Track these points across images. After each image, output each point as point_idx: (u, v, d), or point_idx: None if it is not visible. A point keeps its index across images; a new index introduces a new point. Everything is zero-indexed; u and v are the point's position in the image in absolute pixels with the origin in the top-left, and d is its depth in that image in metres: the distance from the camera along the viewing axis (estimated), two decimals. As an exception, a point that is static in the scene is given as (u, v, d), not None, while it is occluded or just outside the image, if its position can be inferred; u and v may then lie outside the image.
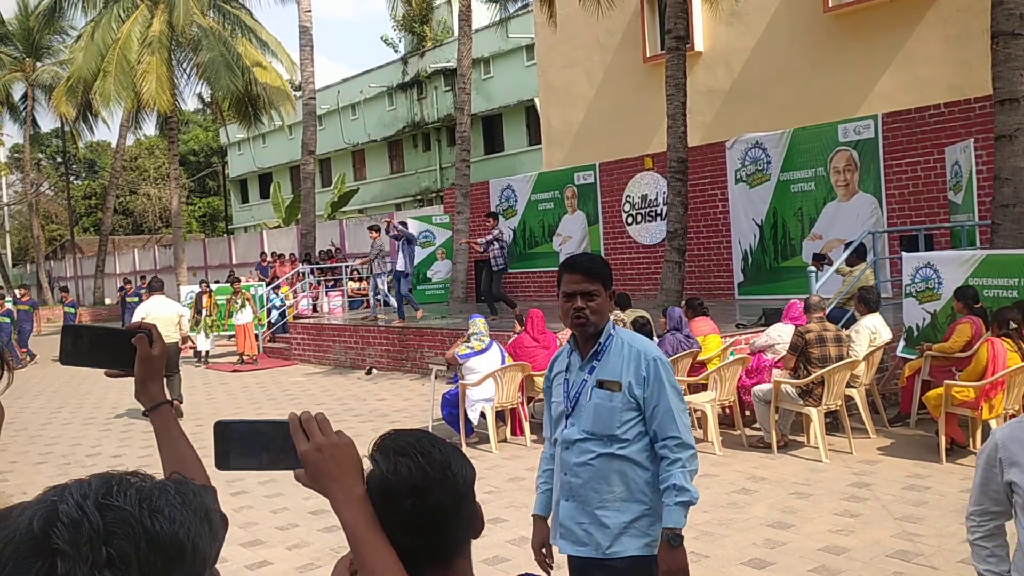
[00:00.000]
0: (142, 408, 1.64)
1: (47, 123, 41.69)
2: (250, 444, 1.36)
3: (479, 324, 8.79)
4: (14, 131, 38.92)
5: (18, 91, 37.34)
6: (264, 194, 41.82)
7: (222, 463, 1.34)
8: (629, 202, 16.40)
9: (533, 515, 3.14)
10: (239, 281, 17.77)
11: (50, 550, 0.88)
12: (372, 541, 1.32)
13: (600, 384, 2.88)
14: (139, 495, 0.96)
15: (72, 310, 23.55)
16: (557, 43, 19.76)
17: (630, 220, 16.41)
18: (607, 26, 18.25)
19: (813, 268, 10.19)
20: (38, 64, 36.78)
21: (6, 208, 44.59)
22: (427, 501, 1.35)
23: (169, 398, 1.66)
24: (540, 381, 9.13)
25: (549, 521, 3.07)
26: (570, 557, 2.96)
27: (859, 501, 6.23)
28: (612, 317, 3.15)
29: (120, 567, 0.89)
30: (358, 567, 1.33)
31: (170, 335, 10.77)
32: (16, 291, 23.28)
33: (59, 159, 45.49)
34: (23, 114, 37.60)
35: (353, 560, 1.36)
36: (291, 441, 1.34)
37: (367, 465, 1.39)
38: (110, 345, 1.63)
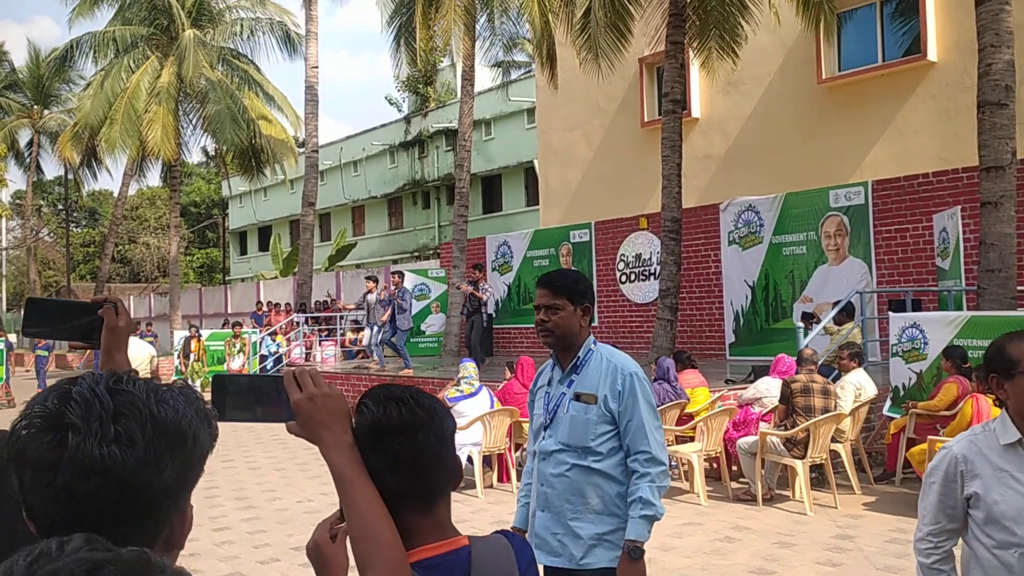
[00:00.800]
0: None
1: (51, 170, 42.13)
2: (246, 397, 1.42)
3: (469, 368, 8.86)
4: (18, 177, 39.40)
5: (24, 137, 37.84)
6: (263, 246, 42.09)
7: (219, 415, 1.37)
8: (623, 261, 16.58)
9: (512, 527, 3.17)
10: (240, 326, 17.85)
11: (63, 424, 0.98)
12: (359, 483, 1.38)
13: (577, 397, 2.95)
14: (147, 386, 1.06)
15: (46, 353, 22.96)
16: (557, 105, 20.20)
17: (624, 279, 16.56)
18: (606, 91, 18.70)
19: (802, 325, 10.30)
20: (45, 111, 37.35)
21: (4, 252, 44.75)
22: (416, 440, 1.43)
23: (133, 369, 1.66)
24: (527, 428, 9.16)
25: (527, 535, 3.10)
26: (545, 567, 2.99)
27: (842, 552, 6.22)
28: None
29: (126, 443, 0.98)
30: (344, 508, 1.39)
31: (144, 372, 10.94)
32: None
33: (60, 206, 45.83)
34: (28, 160, 38.04)
35: (339, 504, 1.42)
36: (285, 395, 1.40)
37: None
38: (74, 316, 1.60)
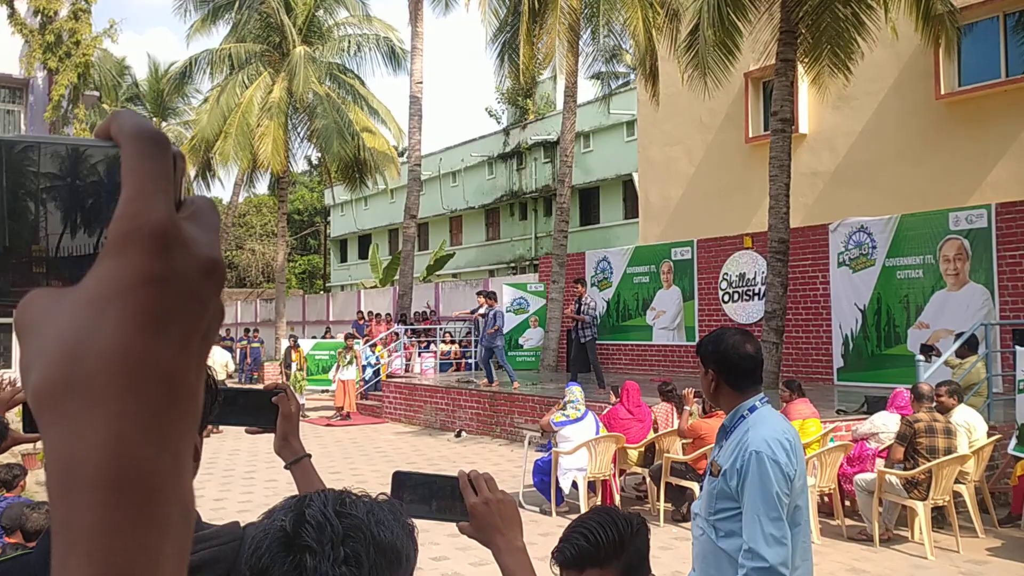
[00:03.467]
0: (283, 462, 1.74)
1: (167, 178, 44.19)
2: (422, 492, 1.49)
3: (575, 392, 8.86)
4: (137, 185, 41.30)
5: (144, 148, 39.78)
6: (363, 254, 43.07)
7: None
8: (726, 280, 16.30)
9: None
10: (353, 337, 18.33)
11: (299, 547, 1.06)
12: None
13: (711, 465, 2.91)
14: (366, 507, 1.13)
15: None
16: (659, 121, 20.04)
17: (726, 298, 16.29)
18: (710, 106, 18.45)
19: (921, 358, 9.91)
20: (164, 124, 39.22)
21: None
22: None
23: (307, 452, 1.74)
24: (633, 454, 9.10)
25: None
26: None
27: (968, 603, 5.96)
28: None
29: (355, 566, 1.06)
30: None
31: (219, 375, 15.26)
32: None
33: (174, 212, 47.89)
34: (146, 169, 39.98)
35: None
36: (459, 494, 1.47)
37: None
38: (250, 404, 1.71)
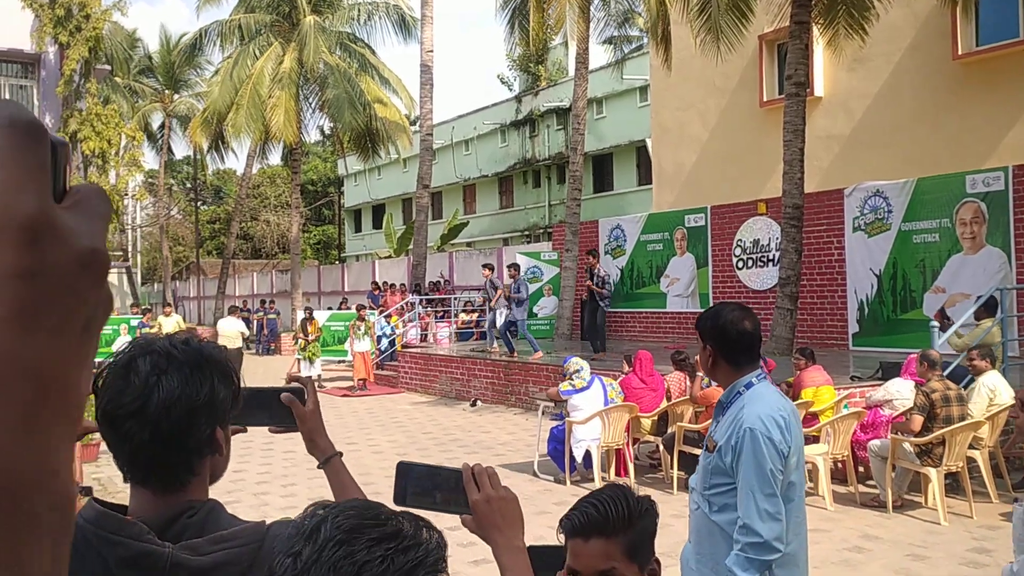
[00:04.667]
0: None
1: (180, 150, 44.33)
2: (426, 483, 1.50)
3: (575, 363, 8.88)
4: (151, 157, 41.49)
5: (156, 120, 39.90)
6: (377, 224, 43.11)
7: (399, 499, 1.46)
8: (740, 246, 16.22)
9: None
10: (365, 308, 18.42)
11: (296, 553, 1.07)
12: None
13: (707, 440, 2.92)
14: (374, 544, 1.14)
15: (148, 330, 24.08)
16: (672, 85, 19.83)
17: (740, 264, 16.22)
18: (724, 70, 18.21)
19: (936, 323, 9.85)
20: (176, 96, 39.21)
21: (139, 229, 47.39)
22: None
23: (337, 451, 1.68)
24: (647, 423, 9.14)
25: None
26: None
27: (979, 567, 5.99)
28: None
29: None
30: None
31: (235, 343, 16.43)
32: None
33: (189, 185, 48.13)
34: (160, 142, 40.12)
35: None
36: (463, 487, 1.48)
37: None
38: (273, 403, 1.63)
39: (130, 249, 39.76)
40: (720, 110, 19.48)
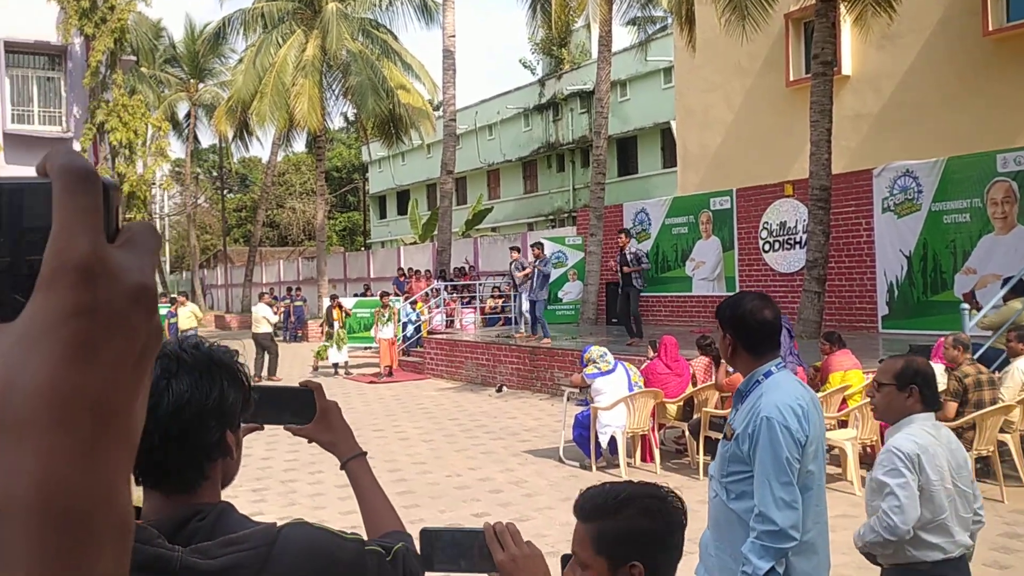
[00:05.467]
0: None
1: (206, 139, 44.69)
2: (451, 551, 1.54)
3: (596, 350, 8.85)
4: (177, 147, 41.86)
5: (182, 110, 40.23)
6: (401, 210, 43.21)
7: (427, 566, 1.50)
8: (767, 229, 16.07)
9: None
10: (388, 295, 18.49)
11: None
12: None
13: (726, 428, 2.92)
14: None
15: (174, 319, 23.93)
16: (696, 67, 19.63)
17: (767, 247, 16.07)
18: (749, 50, 17.99)
19: (967, 306, 9.70)
20: (201, 85, 39.46)
21: (167, 219, 47.86)
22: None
23: (361, 450, 1.66)
24: (672, 408, 9.11)
25: None
26: None
27: (1009, 552, 5.92)
28: None
29: None
30: None
31: (266, 328, 17.62)
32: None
33: (215, 173, 48.49)
34: (186, 131, 40.44)
35: None
36: (487, 550, 1.51)
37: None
38: (286, 401, 1.62)
39: (158, 238, 40.12)
40: (745, 91, 19.26)
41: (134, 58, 27.31)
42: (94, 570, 0.40)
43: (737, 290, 15.56)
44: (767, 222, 16.06)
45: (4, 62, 18.51)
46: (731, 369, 8.15)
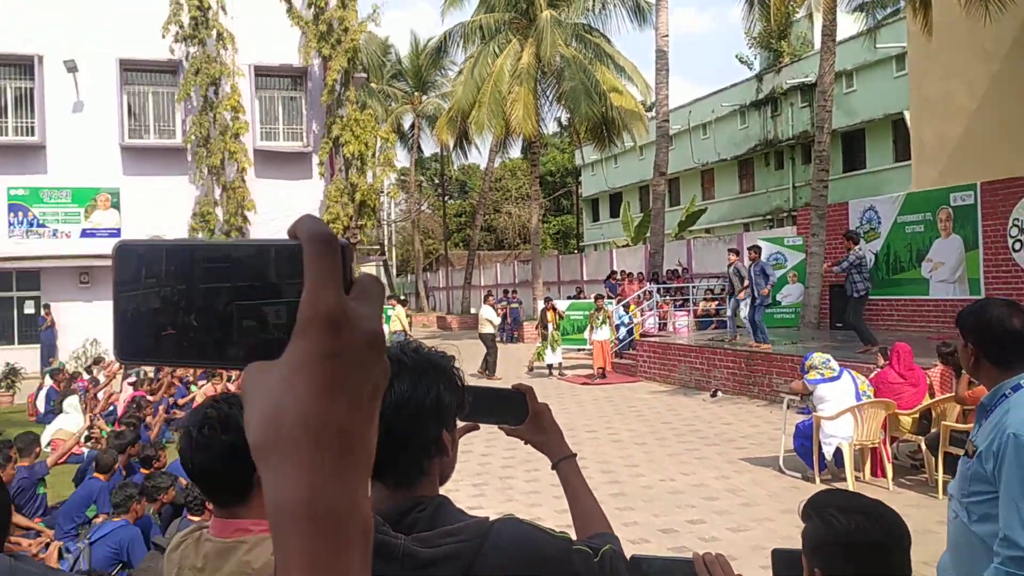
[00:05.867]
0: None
1: (428, 148, 46.97)
2: None
3: (818, 357, 8.40)
4: (402, 156, 44.38)
5: (407, 121, 42.60)
6: (614, 213, 43.26)
7: None
8: (1017, 226, 14.54)
9: None
10: (603, 298, 18.62)
11: None
12: None
13: (968, 445, 2.68)
14: None
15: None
16: (933, 52, 18.12)
17: (1018, 246, 14.54)
18: (994, 31, 16.35)
19: None
20: (424, 97, 41.59)
21: (393, 224, 50.84)
22: (888, 560, 1.67)
23: (571, 452, 1.67)
24: (906, 421, 8.47)
25: None
26: None
27: None
28: None
29: None
30: None
31: (489, 329, 18.71)
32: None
33: (437, 181, 50.90)
34: (410, 141, 42.79)
35: None
36: None
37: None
38: (499, 402, 1.65)
39: (386, 243, 42.74)
40: (991, 76, 17.54)
41: (365, 75, 29.22)
42: (349, 568, 0.48)
43: (982, 293, 14.26)
44: (1018, 219, 14.54)
45: (254, 84, 20.43)
46: (974, 380, 7.45)
